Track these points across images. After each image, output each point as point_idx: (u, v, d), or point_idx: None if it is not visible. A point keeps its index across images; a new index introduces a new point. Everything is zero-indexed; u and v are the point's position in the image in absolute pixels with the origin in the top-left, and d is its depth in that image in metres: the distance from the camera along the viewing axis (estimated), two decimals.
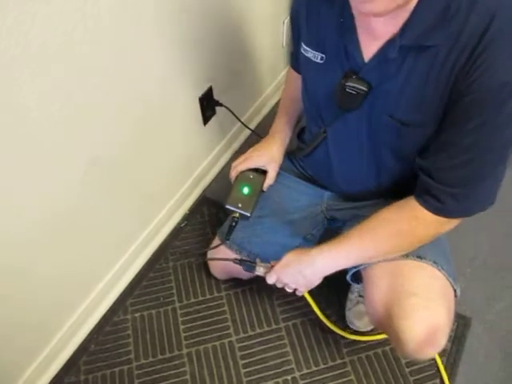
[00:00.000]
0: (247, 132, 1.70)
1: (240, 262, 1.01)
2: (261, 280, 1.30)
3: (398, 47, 0.71)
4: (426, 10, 0.67)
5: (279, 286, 0.96)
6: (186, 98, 1.31)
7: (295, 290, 0.96)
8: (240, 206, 1.04)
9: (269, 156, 1.08)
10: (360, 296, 1.21)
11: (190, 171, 1.49)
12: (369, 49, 0.77)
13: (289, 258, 0.92)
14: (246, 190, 1.05)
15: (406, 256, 0.87)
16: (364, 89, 0.78)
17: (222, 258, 1.09)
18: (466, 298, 0.89)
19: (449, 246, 0.98)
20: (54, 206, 0.99)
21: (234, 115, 1.49)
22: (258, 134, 1.44)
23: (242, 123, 1.57)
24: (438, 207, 0.79)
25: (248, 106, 1.70)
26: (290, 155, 1.17)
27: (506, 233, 1.47)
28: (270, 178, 1.08)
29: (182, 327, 1.24)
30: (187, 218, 1.49)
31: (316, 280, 0.91)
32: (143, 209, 1.33)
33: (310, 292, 1.02)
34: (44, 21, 0.78)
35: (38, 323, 1.09)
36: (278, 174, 1.12)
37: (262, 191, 1.09)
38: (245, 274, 1.26)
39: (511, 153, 0.74)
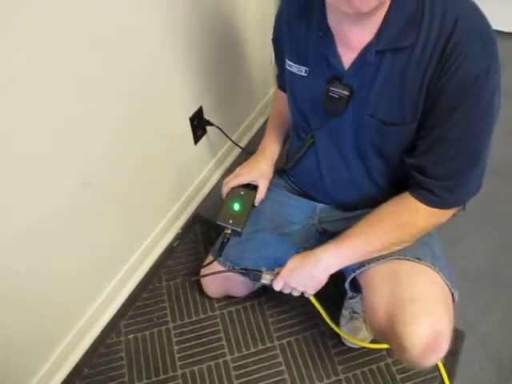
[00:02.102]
0: (238, 150, 1.71)
1: (246, 272, 1.00)
2: (254, 298, 1.31)
3: (375, 52, 0.78)
4: (396, 17, 0.75)
5: (286, 291, 0.96)
6: (177, 119, 1.34)
7: (302, 293, 0.96)
8: (231, 222, 1.04)
9: (259, 171, 1.10)
10: (354, 312, 1.21)
11: (181, 190, 1.50)
12: (347, 57, 0.83)
13: (294, 261, 0.93)
14: (236, 206, 1.06)
15: (405, 255, 0.89)
16: (346, 93, 0.83)
17: (228, 270, 1.08)
18: (458, 310, 0.91)
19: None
20: (44, 225, 0.99)
21: (225, 134, 1.51)
22: (249, 152, 1.46)
23: (233, 141, 1.58)
24: (435, 200, 0.85)
25: (238, 124, 1.73)
26: (280, 173, 1.18)
27: (498, 244, 1.48)
28: (260, 193, 1.10)
29: (176, 348, 1.23)
30: (180, 236, 1.49)
31: (323, 279, 0.92)
32: (135, 228, 1.33)
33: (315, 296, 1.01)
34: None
35: (30, 347, 1.08)
36: (270, 191, 1.13)
37: (254, 206, 1.10)
38: (239, 291, 1.27)
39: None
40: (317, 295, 0.99)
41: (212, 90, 1.44)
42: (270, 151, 1.13)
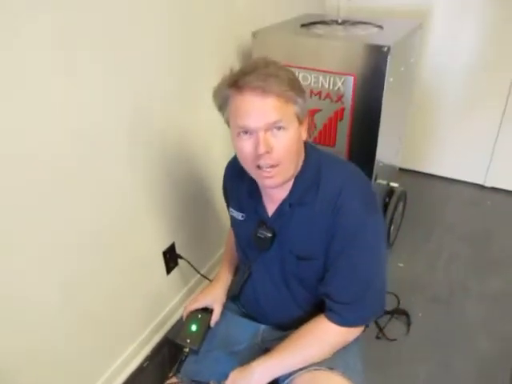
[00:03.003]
0: (207, 281, 1.92)
1: None
2: None
3: (288, 205, 1.08)
4: (301, 182, 1.07)
5: None
6: (152, 252, 1.61)
7: None
8: (189, 341, 1.23)
9: (213, 297, 1.32)
10: None
11: (153, 315, 1.70)
12: (271, 207, 1.13)
13: (234, 374, 1.09)
14: (194, 328, 1.26)
15: (321, 366, 1.07)
16: (269, 234, 1.11)
17: (180, 382, 1.20)
18: None
19: (362, 357, 1.19)
20: (28, 335, 1.17)
21: (194, 268, 1.76)
22: None
23: (201, 275, 1.82)
24: (340, 320, 1.06)
25: (208, 258, 1.98)
26: (232, 298, 1.41)
27: (440, 367, 1.65)
28: (215, 315, 1.30)
29: None
30: (150, 358, 1.65)
31: None
32: (108, 348, 1.50)
33: None
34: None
35: None
36: (224, 314, 1.33)
37: (210, 327, 1.29)
38: None
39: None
40: None
41: (184, 228, 1.74)
42: (223, 280, 1.37)
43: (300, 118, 0.99)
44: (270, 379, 1.08)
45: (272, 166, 0.98)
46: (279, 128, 0.95)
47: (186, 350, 1.23)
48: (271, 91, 0.92)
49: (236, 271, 1.42)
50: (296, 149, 1.01)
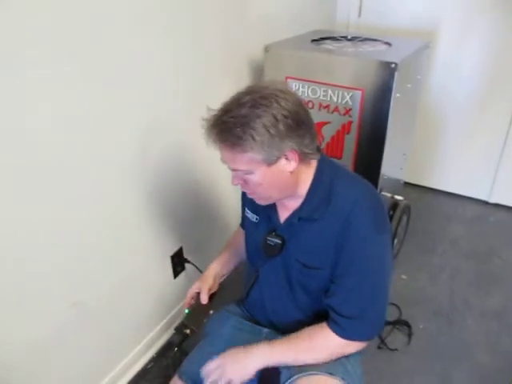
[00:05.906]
0: None
1: None
2: None
3: (298, 218, 1.11)
4: (313, 197, 1.09)
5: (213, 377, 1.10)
6: (160, 256, 1.65)
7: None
8: (187, 322, 1.24)
9: (210, 272, 1.36)
10: None
11: (159, 318, 1.74)
12: (283, 215, 1.16)
13: (233, 348, 1.14)
14: (189, 311, 1.28)
15: (320, 371, 1.10)
16: (279, 242, 1.15)
17: None
18: None
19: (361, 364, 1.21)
20: (30, 339, 1.20)
21: (201, 272, 1.76)
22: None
23: None
24: (342, 333, 1.09)
25: None
26: (238, 303, 1.45)
27: (438, 379, 1.66)
28: (213, 287, 1.33)
29: None
30: (154, 360, 1.69)
31: (249, 370, 1.10)
32: (112, 349, 1.54)
33: None
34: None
35: None
36: (229, 318, 1.37)
37: (207, 307, 1.30)
38: None
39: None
40: None
41: (192, 234, 1.79)
42: (221, 260, 1.40)
43: (268, 161, 0.98)
44: (265, 364, 1.11)
45: (252, 193, 1.06)
46: (244, 172, 1.01)
47: (187, 331, 1.24)
48: (224, 143, 0.97)
49: (234, 264, 1.44)
50: (276, 184, 1.04)
